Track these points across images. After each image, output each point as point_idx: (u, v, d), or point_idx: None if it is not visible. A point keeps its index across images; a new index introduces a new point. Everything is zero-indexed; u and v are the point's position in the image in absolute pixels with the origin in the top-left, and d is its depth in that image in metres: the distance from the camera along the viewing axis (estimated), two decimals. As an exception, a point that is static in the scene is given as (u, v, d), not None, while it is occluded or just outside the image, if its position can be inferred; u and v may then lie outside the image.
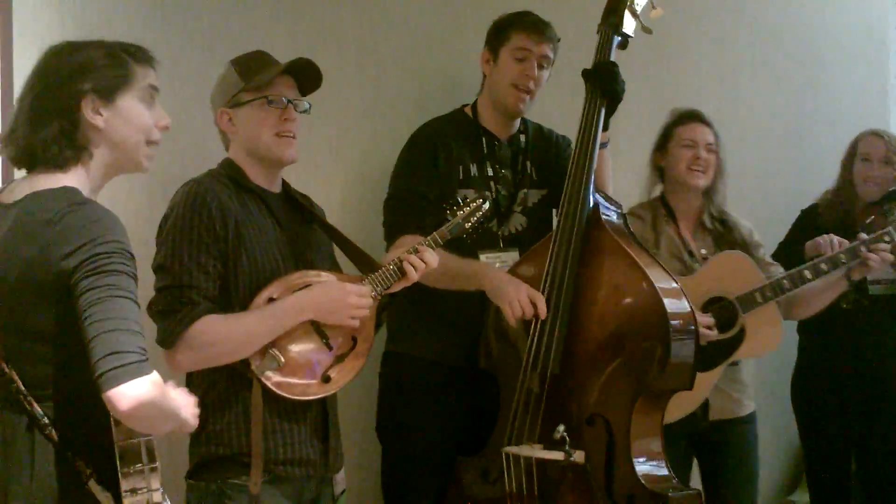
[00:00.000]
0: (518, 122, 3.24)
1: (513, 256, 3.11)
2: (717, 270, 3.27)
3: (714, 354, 3.21)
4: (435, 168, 3.08)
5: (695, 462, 3.45)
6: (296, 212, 2.63)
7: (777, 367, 4.18)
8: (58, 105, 2.00)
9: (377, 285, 2.54)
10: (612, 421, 2.84)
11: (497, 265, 3.08)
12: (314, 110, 2.67)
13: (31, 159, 2.02)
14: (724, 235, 3.39)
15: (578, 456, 2.77)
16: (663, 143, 3.45)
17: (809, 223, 3.73)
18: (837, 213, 3.77)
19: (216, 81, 2.63)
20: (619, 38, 3.07)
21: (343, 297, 2.46)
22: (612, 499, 2.82)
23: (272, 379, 2.41)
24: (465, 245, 2.96)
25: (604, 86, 3.00)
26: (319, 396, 2.48)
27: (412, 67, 3.54)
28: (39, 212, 1.94)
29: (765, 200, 4.16)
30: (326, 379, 2.47)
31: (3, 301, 1.96)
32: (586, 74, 3.04)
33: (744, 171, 4.19)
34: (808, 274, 3.25)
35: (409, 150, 3.16)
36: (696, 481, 3.41)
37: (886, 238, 3.27)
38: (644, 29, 3.10)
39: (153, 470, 1.95)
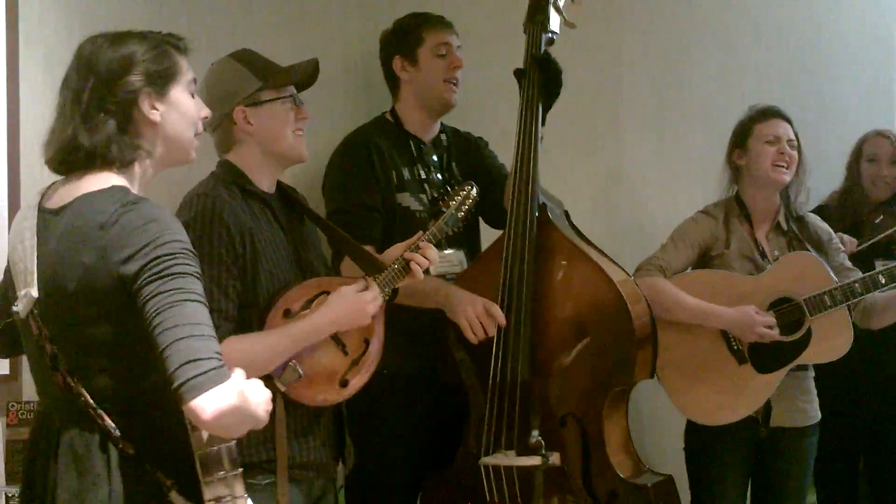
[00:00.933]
0: (439, 123, 3.25)
1: (458, 256, 3.09)
2: (786, 271, 3.22)
3: (777, 357, 3.16)
4: (373, 175, 3.05)
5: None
6: (291, 210, 2.62)
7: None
8: (114, 103, 1.92)
9: (385, 286, 2.54)
10: (585, 419, 2.88)
11: (444, 267, 3.02)
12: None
13: (87, 161, 1.92)
14: (800, 237, 3.31)
15: (554, 458, 2.79)
16: (742, 141, 3.36)
17: None
18: (847, 214, 3.77)
19: (218, 79, 2.57)
20: (548, 35, 3.04)
21: (360, 304, 2.46)
22: (594, 496, 2.85)
23: (293, 390, 2.41)
24: None
25: (539, 82, 2.98)
26: (339, 402, 2.51)
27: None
28: (91, 215, 1.86)
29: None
30: (344, 384, 2.49)
31: (64, 311, 1.88)
32: (520, 73, 3.03)
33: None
34: (881, 279, 3.16)
35: (346, 160, 3.10)
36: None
37: None
38: (567, 24, 3.08)
39: (236, 476, 1.90)
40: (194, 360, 1.73)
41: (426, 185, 3.14)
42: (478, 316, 2.81)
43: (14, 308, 1.94)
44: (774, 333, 3.14)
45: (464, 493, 2.96)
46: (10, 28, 2.87)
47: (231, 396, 1.75)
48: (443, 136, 3.26)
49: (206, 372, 1.73)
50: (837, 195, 3.89)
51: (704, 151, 3.52)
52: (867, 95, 4.46)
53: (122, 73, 1.93)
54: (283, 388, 2.38)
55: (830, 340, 3.17)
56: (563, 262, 2.94)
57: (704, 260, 3.33)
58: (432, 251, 2.58)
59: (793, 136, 3.33)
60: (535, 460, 2.76)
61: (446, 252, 3.06)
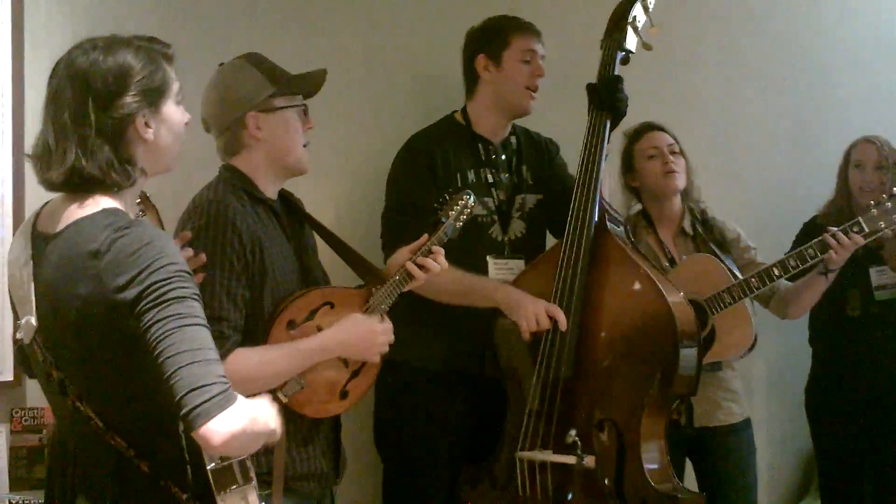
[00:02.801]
0: (510, 124, 3.26)
1: (518, 264, 3.14)
2: (687, 273, 3.26)
3: None
4: (433, 177, 3.08)
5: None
6: (293, 217, 2.61)
7: (785, 373, 4.19)
8: (111, 123, 1.86)
9: (388, 298, 2.54)
10: (622, 426, 2.89)
11: (503, 273, 3.10)
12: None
13: (86, 185, 1.86)
14: (706, 239, 3.37)
15: (589, 461, 2.82)
16: (629, 165, 3.44)
17: (812, 235, 3.69)
18: (837, 221, 3.76)
19: (231, 81, 2.51)
20: (622, 54, 3.12)
21: (372, 337, 2.48)
22: (625, 502, 2.86)
23: (295, 401, 2.41)
24: (472, 254, 2.98)
25: (608, 100, 3.05)
26: (339, 412, 2.52)
27: (419, 73, 3.55)
28: (84, 243, 1.82)
29: (772, 208, 4.16)
30: (344, 394, 2.49)
31: (66, 340, 1.87)
32: (591, 89, 3.09)
33: (751, 178, 4.19)
34: (776, 271, 3.20)
35: (407, 160, 3.15)
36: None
37: (856, 228, 3.20)
38: (644, 45, 3.15)
39: (249, 489, 1.91)
40: (200, 387, 1.73)
41: (493, 189, 3.16)
42: (538, 315, 2.88)
43: (18, 335, 1.93)
44: None
45: (498, 488, 2.99)
46: (16, 31, 2.87)
47: (239, 419, 1.75)
48: (512, 139, 3.27)
49: (212, 398, 1.73)
50: (829, 205, 3.88)
51: (707, 156, 3.53)
52: (869, 103, 4.46)
53: (119, 92, 1.86)
54: (284, 400, 2.38)
55: (733, 336, 3.23)
56: (617, 271, 2.99)
57: None
58: (443, 257, 2.58)
59: (672, 141, 3.40)
60: (570, 459, 2.83)
61: (507, 260, 3.13)
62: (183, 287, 1.79)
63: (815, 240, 3.22)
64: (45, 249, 1.88)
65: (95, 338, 1.83)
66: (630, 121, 3.89)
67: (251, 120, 2.48)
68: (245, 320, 2.38)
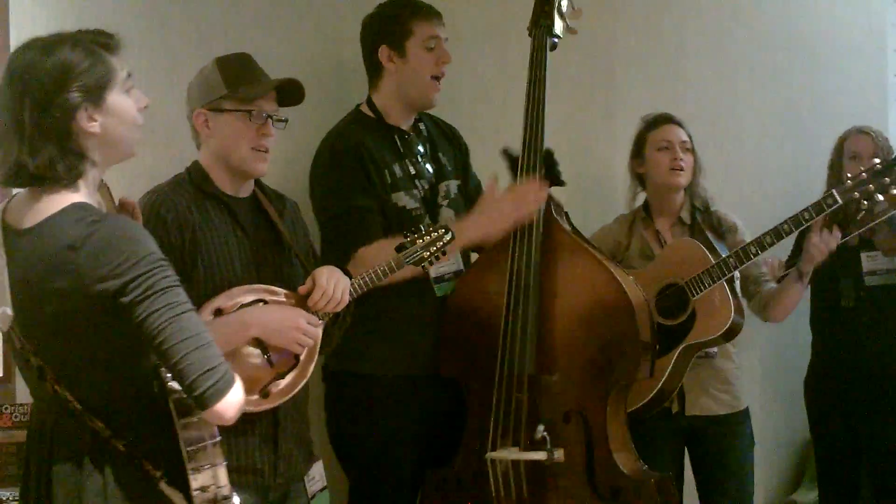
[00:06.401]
0: (415, 112, 3.19)
1: (455, 257, 3.07)
2: (671, 258, 3.32)
3: (668, 341, 3.21)
4: (367, 179, 2.99)
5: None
6: (264, 216, 2.63)
7: (779, 364, 4.19)
8: (52, 122, 1.90)
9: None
10: (589, 416, 2.91)
11: (444, 268, 3.04)
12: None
13: (34, 181, 1.93)
14: (702, 227, 3.40)
15: (559, 454, 2.85)
16: (639, 151, 3.49)
17: (805, 231, 3.68)
18: (830, 215, 3.74)
19: (196, 74, 2.64)
20: (553, 40, 3.10)
21: (293, 320, 2.47)
22: (597, 492, 2.88)
23: None
24: None
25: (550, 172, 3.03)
26: (257, 410, 2.47)
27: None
28: (58, 237, 1.89)
29: (763, 200, 4.15)
30: (265, 394, 2.48)
31: (43, 331, 1.95)
32: (510, 157, 3.07)
33: (742, 170, 4.19)
34: (752, 249, 3.23)
35: (337, 165, 3.00)
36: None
37: (829, 200, 3.19)
38: (569, 30, 3.14)
39: (220, 467, 1.99)
40: (210, 369, 1.89)
41: (417, 181, 3.11)
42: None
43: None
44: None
45: (465, 490, 2.98)
46: (1, 27, 2.85)
47: (240, 391, 1.93)
48: (421, 126, 3.20)
49: (221, 378, 1.90)
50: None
51: (698, 148, 3.52)
52: (860, 93, 4.46)
53: (57, 91, 1.90)
54: None
55: (713, 316, 3.24)
56: (569, 260, 3.00)
57: None
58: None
59: (685, 139, 3.45)
60: (540, 455, 2.82)
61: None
62: (166, 276, 1.89)
63: (791, 216, 3.23)
64: (16, 244, 1.95)
65: (74, 328, 1.92)
66: (620, 112, 3.93)
67: (199, 117, 2.58)
68: None
